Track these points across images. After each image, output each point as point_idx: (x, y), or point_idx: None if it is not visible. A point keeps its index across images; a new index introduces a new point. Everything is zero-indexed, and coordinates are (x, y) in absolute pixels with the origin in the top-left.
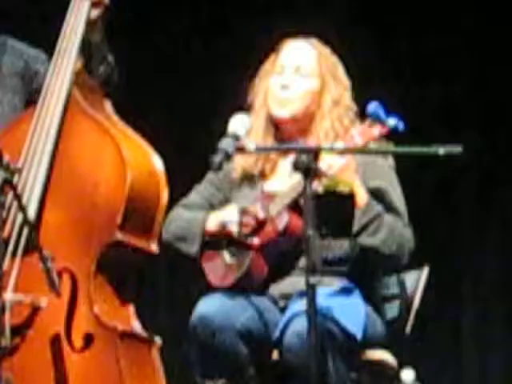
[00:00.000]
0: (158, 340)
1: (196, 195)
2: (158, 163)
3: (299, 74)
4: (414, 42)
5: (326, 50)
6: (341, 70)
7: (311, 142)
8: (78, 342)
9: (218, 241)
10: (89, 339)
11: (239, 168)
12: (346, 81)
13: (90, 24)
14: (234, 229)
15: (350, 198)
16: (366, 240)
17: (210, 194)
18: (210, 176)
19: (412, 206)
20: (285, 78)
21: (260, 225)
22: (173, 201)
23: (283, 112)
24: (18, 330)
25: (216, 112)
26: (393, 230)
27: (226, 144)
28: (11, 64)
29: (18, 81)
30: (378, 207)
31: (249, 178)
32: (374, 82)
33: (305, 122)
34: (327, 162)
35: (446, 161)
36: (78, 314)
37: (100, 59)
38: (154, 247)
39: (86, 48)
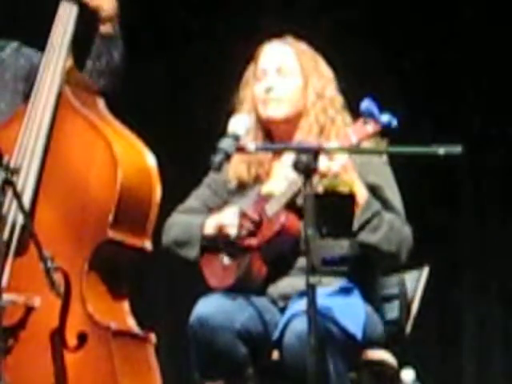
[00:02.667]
0: (152, 337)
1: (194, 200)
2: (150, 161)
3: (281, 75)
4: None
5: (303, 46)
6: (321, 63)
7: (298, 138)
8: (72, 341)
9: (216, 243)
10: (83, 338)
11: (234, 178)
12: (328, 73)
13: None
14: (231, 231)
15: (350, 198)
16: (366, 237)
17: (208, 198)
18: (208, 181)
19: (412, 206)
20: (268, 81)
21: (257, 226)
22: (170, 203)
23: (273, 113)
24: (12, 331)
25: (216, 114)
26: (392, 228)
27: (226, 144)
28: (19, 69)
29: (22, 84)
30: (377, 204)
31: (245, 186)
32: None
33: (294, 120)
34: (325, 165)
35: (445, 160)
36: (71, 313)
37: (104, 53)
38: (147, 245)
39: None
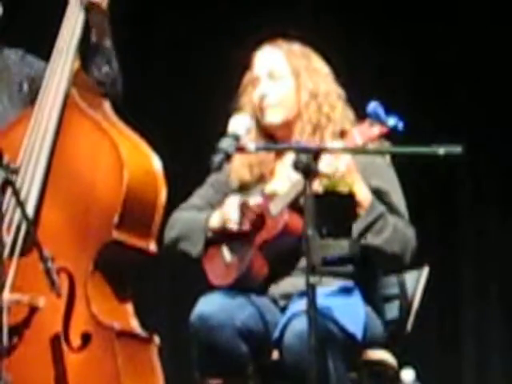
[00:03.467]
0: (156, 339)
1: (197, 198)
2: (156, 163)
3: (273, 80)
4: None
5: (294, 46)
6: (314, 59)
7: (295, 139)
8: (76, 341)
9: (220, 237)
10: (86, 338)
11: (235, 180)
12: (322, 68)
13: (95, 24)
14: (232, 216)
15: (350, 198)
16: (370, 240)
17: (211, 196)
18: (211, 180)
19: (412, 206)
20: (261, 88)
21: (259, 217)
22: (173, 203)
23: (272, 119)
24: (16, 330)
25: (217, 113)
26: (396, 230)
27: (226, 144)
28: (24, 77)
29: (26, 89)
30: (381, 207)
31: (247, 187)
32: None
33: (293, 122)
34: (332, 164)
35: (445, 160)
36: (75, 314)
37: (104, 61)
38: (152, 247)
39: (90, 48)
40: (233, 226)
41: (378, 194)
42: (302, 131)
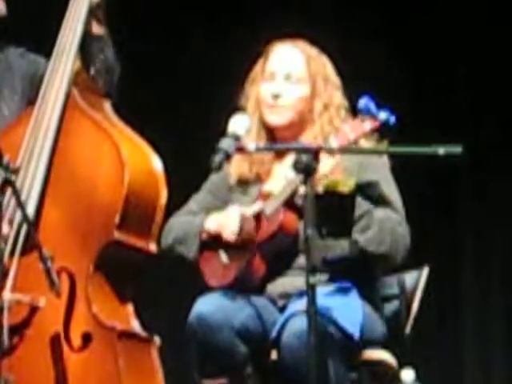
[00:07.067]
0: (156, 339)
1: (194, 204)
2: (157, 163)
3: (290, 82)
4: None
5: (314, 52)
6: (330, 69)
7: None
8: (77, 341)
9: (214, 241)
10: (87, 339)
11: (234, 174)
12: (336, 79)
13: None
14: (232, 237)
15: (350, 198)
16: (356, 238)
17: (208, 201)
18: (208, 185)
19: (412, 207)
20: (276, 87)
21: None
22: (173, 204)
23: (277, 119)
24: (17, 330)
25: (216, 114)
26: (383, 228)
27: (225, 144)
28: (24, 70)
29: (26, 85)
30: (366, 204)
31: (245, 184)
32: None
33: (298, 126)
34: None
35: (445, 160)
36: (76, 314)
37: (98, 49)
38: (152, 247)
39: (85, 40)
40: (231, 237)
41: (372, 186)
42: (313, 139)
